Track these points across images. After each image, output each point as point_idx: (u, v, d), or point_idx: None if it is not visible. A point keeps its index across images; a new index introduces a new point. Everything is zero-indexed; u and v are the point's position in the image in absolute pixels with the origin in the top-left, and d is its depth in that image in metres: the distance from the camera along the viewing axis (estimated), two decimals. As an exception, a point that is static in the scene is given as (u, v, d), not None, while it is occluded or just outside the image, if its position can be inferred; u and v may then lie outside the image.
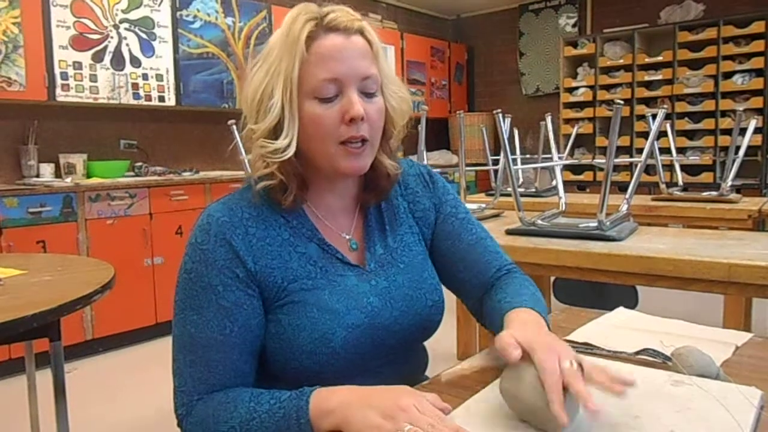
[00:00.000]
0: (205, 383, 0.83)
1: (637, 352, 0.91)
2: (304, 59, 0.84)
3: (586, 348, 0.96)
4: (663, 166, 2.90)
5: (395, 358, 0.95)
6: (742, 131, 2.81)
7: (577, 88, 5.51)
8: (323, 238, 0.92)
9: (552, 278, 3.08)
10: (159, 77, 3.80)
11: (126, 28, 3.62)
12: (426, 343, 1.04)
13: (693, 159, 4.61)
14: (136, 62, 3.67)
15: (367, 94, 0.88)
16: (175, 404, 0.85)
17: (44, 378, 1.78)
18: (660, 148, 2.90)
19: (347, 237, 0.96)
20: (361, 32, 0.88)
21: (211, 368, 0.83)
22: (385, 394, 0.73)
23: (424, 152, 2.32)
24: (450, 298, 1.06)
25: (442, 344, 1.04)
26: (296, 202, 0.89)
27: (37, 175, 3.45)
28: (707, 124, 4.86)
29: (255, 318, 0.86)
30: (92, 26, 3.46)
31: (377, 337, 0.90)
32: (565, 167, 5.13)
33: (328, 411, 0.73)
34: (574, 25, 5.87)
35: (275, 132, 0.86)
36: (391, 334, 0.91)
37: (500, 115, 1.89)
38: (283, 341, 0.86)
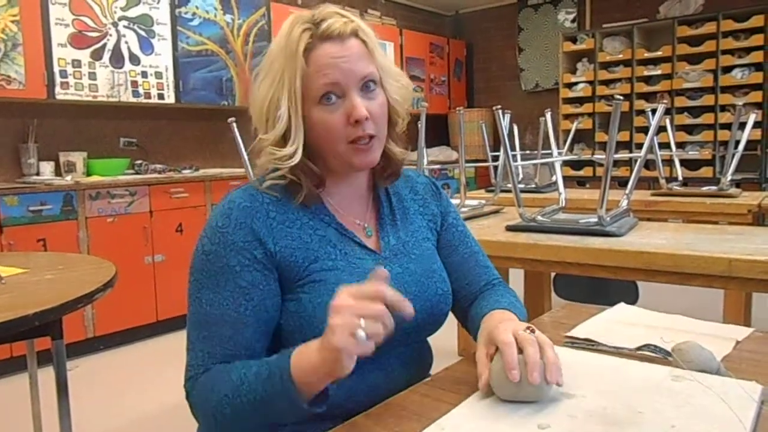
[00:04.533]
0: (212, 356, 0.85)
1: (638, 348, 0.92)
2: (305, 71, 0.89)
3: (588, 344, 0.96)
4: (662, 161, 2.90)
5: (404, 348, 0.97)
6: (742, 126, 2.81)
7: (576, 83, 5.50)
8: (341, 223, 0.96)
9: (552, 274, 3.08)
10: (158, 75, 3.79)
11: (125, 26, 3.61)
12: (429, 340, 1.06)
13: (692, 154, 4.60)
14: (135, 60, 3.67)
15: (368, 93, 0.92)
16: (184, 379, 0.87)
17: (46, 376, 1.78)
18: (659, 143, 2.90)
19: (362, 224, 1.00)
20: (355, 34, 0.91)
21: (222, 343, 0.86)
22: (326, 335, 0.74)
23: (424, 149, 2.31)
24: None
25: (443, 341, 1.05)
26: (310, 199, 0.93)
27: (37, 174, 3.45)
28: (707, 118, 4.86)
29: (271, 298, 0.89)
30: (91, 24, 3.46)
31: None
32: (565, 163, 5.13)
33: (305, 370, 0.76)
34: (573, 21, 5.87)
35: (284, 139, 0.91)
36: (402, 318, 0.92)
37: (500, 111, 1.88)
38: (302, 318, 0.89)
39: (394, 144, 1.01)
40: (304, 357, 0.77)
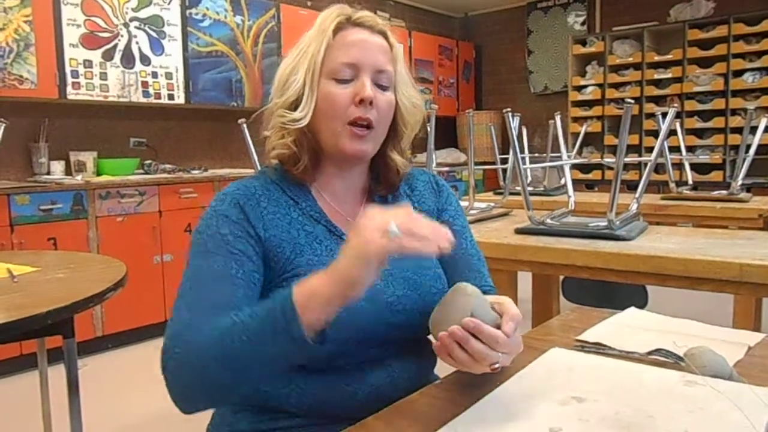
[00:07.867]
0: (199, 303, 0.83)
1: (650, 353, 0.91)
2: (330, 44, 0.94)
3: (598, 348, 0.96)
4: (672, 164, 2.89)
5: (403, 347, 0.95)
6: (753, 130, 2.80)
7: (585, 86, 5.49)
8: (330, 220, 0.97)
9: (561, 277, 3.08)
10: (168, 75, 3.81)
11: (136, 27, 3.63)
12: (432, 339, 1.05)
13: (703, 158, 4.58)
14: (145, 60, 3.69)
15: (380, 87, 0.95)
16: (164, 342, 0.81)
17: (56, 374, 1.79)
18: (669, 147, 2.89)
19: (353, 221, 0.99)
20: (383, 34, 0.98)
21: (214, 291, 0.84)
22: (350, 242, 0.74)
23: (433, 151, 2.32)
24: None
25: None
26: (306, 174, 0.96)
27: (48, 173, 3.48)
28: (717, 122, 4.84)
29: (258, 276, 0.89)
30: (102, 24, 3.48)
31: (380, 313, 0.92)
32: (574, 166, 5.11)
33: (312, 292, 0.74)
34: (582, 23, 5.85)
35: (294, 106, 0.95)
36: (393, 313, 0.93)
37: (510, 114, 1.88)
38: None
39: (397, 154, 1.02)
40: (308, 281, 0.75)
